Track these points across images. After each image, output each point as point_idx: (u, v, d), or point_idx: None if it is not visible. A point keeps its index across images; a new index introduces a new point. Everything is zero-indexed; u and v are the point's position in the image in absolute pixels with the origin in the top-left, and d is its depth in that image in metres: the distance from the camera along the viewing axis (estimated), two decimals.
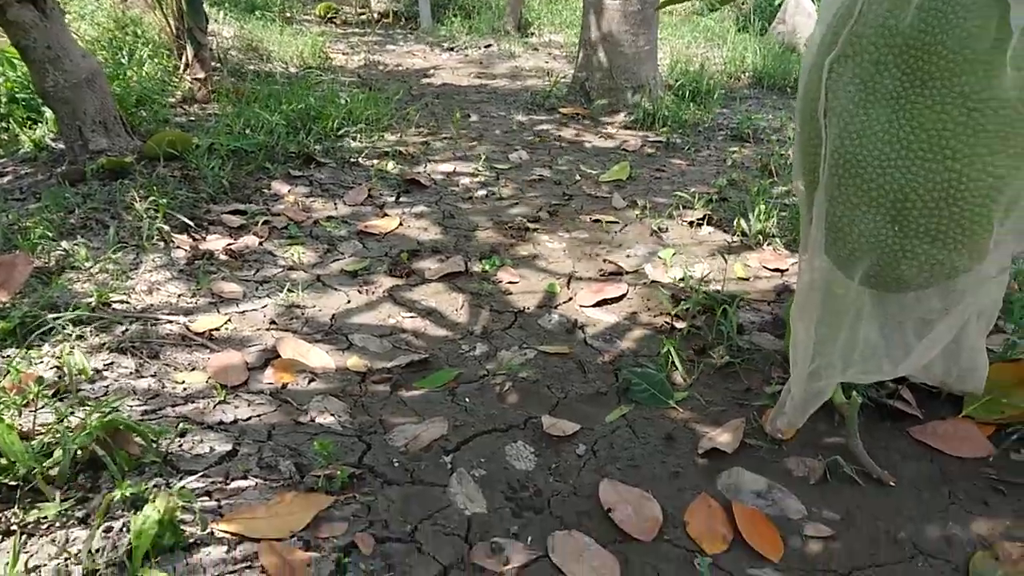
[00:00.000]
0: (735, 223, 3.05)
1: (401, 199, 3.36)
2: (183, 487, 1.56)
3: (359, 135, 4.08)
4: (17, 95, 3.79)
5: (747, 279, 2.68)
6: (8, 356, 1.98)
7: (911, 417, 1.93)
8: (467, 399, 1.99)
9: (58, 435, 1.62)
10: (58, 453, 1.56)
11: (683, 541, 1.56)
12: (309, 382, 2.03)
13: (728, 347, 2.20)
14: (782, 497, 1.67)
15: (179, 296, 2.43)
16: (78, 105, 3.20)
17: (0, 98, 3.77)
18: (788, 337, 2.09)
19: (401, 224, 3.08)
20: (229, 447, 1.74)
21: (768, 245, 2.94)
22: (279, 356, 2.12)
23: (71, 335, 2.10)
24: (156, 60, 4.78)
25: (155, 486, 1.57)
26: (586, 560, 1.48)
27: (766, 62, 6.05)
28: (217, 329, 2.25)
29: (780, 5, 7.61)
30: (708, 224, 3.16)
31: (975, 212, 1.28)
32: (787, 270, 2.73)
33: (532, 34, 8.10)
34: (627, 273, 2.73)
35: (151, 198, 2.90)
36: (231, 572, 1.41)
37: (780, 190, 3.42)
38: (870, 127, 1.30)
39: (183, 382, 1.99)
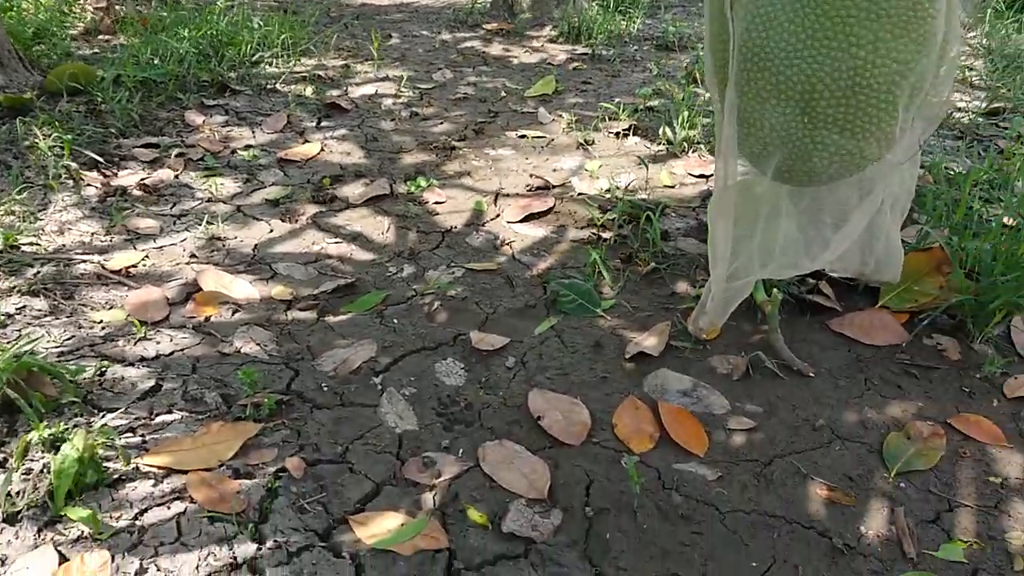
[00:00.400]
0: (660, 132, 3.04)
1: (322, 124, 3.26)
2: (104, 424, 1.53)
3: (275, 60, 3.94)
4: None
5: (672, 187, 2.69)
6: None
7: (830, 310, 1.98)
8: (395, 320, 1.97)
9: None
10: None
11: (611, 443, 1.59)
12: (233, 313, 1.99)
13: (653, 254, 2.21)
14: (706, 394, 1.71)
15: (92, 234, 2.34)
16: None
17: None
18: None
19: (323, 150, 3.00)
20: (152, 383, 1.71)
21: (693, 152, 2.94)
22: (200, 289, 2.07)
23: None
24: None
25: (75, 426, 1.54)
26: (516, 467, 1.50)
27: None
28: (134, 266, 2.18)
29: None
30: (634, 134, 3.15)
31: (881, 99, 1.29)
32: (711, 175, 2.74)
33: None
34: (554, 187, 2.72)
35: (56, 135, 2.77)
36: (159, 505, 1.39)
37: (705, 97, 3.42)
38: (775, 18, 1.29)
39: (101, 321, 1.93)
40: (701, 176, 2.75)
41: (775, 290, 1.80)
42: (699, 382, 1.75)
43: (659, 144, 3.03)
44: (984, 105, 3.46)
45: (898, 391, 1.74)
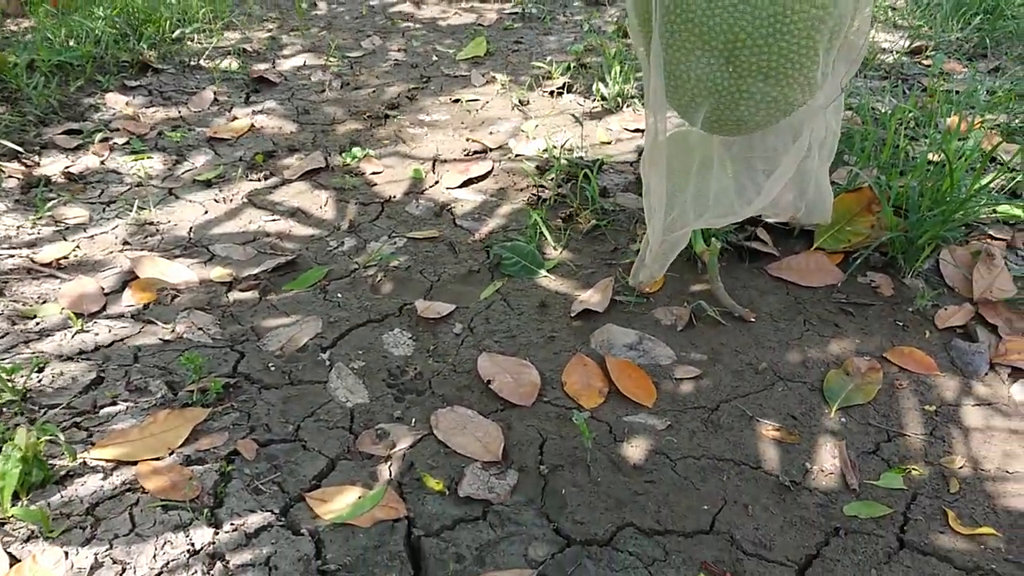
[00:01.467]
0: (594, 88, 3.04)
1: (251, 99, 3.19)
2: (47, 421, 1.50)
3: (197, 36, 3.82)
4: None
5: (609, 143, 2.70)
6: None
7: (768, 255, 2.02)
8: (339, 295, 1.96)
9: None
10: None
11: (562, 400, 1.61)
12: (172, 299, 1.96)
13: (593, 211, 2.23)
14: (652, 346, 1.74)
15: (18, 228, 2.26)
16: None
17: None
18: None
19: (253, 125, 2.93)
20: (93, 375, 1.67)
21: (627, 107, 2.95)
22: (137, 277, 2.02)
23: None
24: None
25: (16, 425, 1.50)
26: (470, 431, 1.51)
27: None
28: (65, 257, 2.12)
29: None
30: (569, 92, 3.14)
31: (802, 45, 1.30)
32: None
33: None
34: (492, 150, 2.70)
35: None
36: (111, 498, 1.37)
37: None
38: None
39: (35, 316, 1.87)
40: (636, 130, 2.76)
41: (714, 239, 1.83)
42: (644, 334, 1.78)
43: (594, 101, 3.03)
44: (907, 44, 3.53)
45: (836, 329, 1.79)
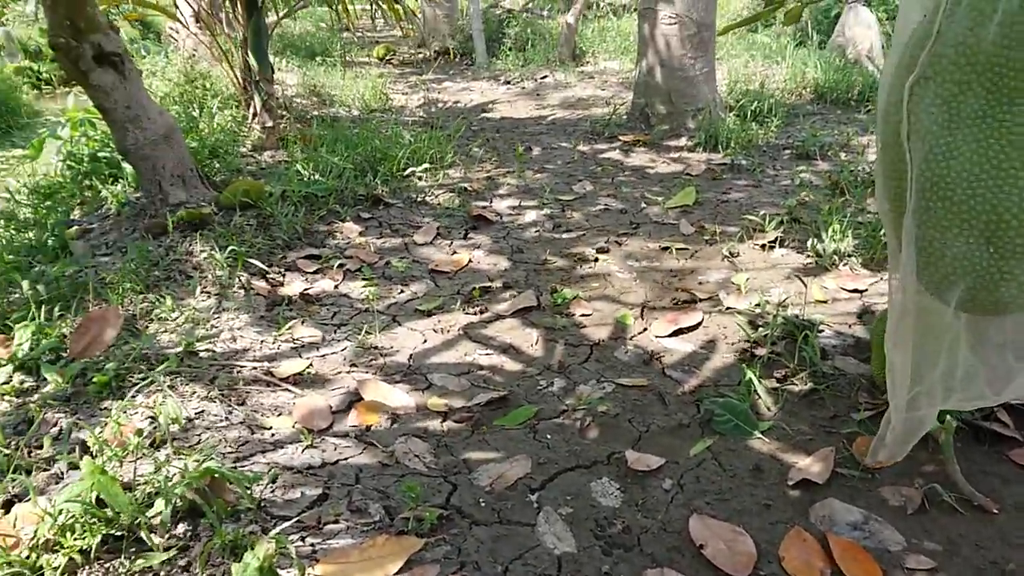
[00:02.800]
0: (809, 244, 3.00)
1: (469, 235, 3.40)
2: (279, 533, 1.59)
3: (424, 174, 4.15)
4: (99, 154, 3.96)
5: (825, 301, 2.63)
6: (106, 408, 2.05)
7: (1010, 439, 1.86)
8: (548, 436, 1.99)
9: (158, 485, 1.67)
10: (159, 503, 1.60)
11: None
12: (392, 423, 2.06)
13: (811, 373, 2.15)
14: (879, 528, 1.62)
15: (261, 342, 2.49)
16: (157, 161, 3.33)
17: (84, 158, 3.95)
18: (875, 361, 2.04)
19: (471, 261, 3.11)
20: (319, 491, 1.77)
21: (844, 265, 2.88)
22: (361, 398, 2.16)
23: (163, 385, 2.17)
24: (226, 111, 4.95)
25: (251, 533, 1.61)
26: None
27: (827, 76, 5.96)
28: (300, 373, 2.30)
29: (838, 17, 7.52)
30: (780, 246, 3.11)
31: None
32: (866, 290, 2.67)
33: (587, 63, 8.16)
34: (701, 300, 2.70)
35: (230, 247, 2.99)
36: None
37: (853, 208, 3.36)
38: (957, 148, 1.27)
39: (271, 428, 2.03)
40: (855, 291, 2.68)
41: (948, 417, 1.71)
42: (871, 514, 1.66)
43: (807, 256, 2.98)
44: None
45: None
